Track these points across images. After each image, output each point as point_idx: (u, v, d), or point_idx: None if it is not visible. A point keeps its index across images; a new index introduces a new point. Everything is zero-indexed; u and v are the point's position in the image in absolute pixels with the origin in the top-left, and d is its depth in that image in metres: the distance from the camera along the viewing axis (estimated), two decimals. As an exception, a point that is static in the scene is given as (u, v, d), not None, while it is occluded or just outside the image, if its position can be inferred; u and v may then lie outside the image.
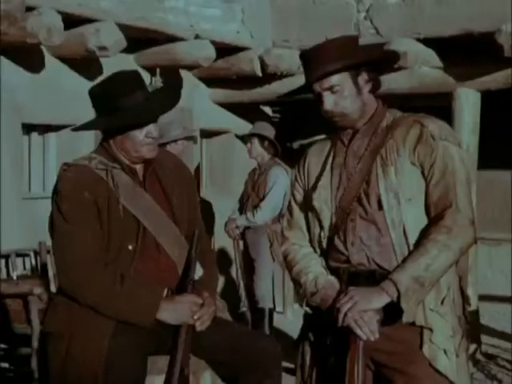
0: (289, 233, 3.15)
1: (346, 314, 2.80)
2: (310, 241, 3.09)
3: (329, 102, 2.96)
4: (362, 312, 2.79)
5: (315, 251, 3.07)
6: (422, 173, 2.89)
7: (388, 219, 2.88)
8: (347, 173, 2.99)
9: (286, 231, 3.17)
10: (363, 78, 2.97)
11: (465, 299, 3.00)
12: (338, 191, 3.00)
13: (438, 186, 2.87)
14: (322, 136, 3.21)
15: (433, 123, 2.93)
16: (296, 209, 3.15)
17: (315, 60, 2.96)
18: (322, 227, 3.03)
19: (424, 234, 2.85)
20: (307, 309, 3.04)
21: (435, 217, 2.86)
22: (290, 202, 3.21)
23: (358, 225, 2.93)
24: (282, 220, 3.37)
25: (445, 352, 2.86)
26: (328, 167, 3.05)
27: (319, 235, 3.04)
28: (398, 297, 2.78)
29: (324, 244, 3.03)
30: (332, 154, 3.06)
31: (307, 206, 3.08)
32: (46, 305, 5.12)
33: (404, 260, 2.85)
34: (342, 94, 2.95)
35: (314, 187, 3.05)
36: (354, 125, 3.01)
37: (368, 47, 3.23)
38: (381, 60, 3.08)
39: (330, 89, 2.95)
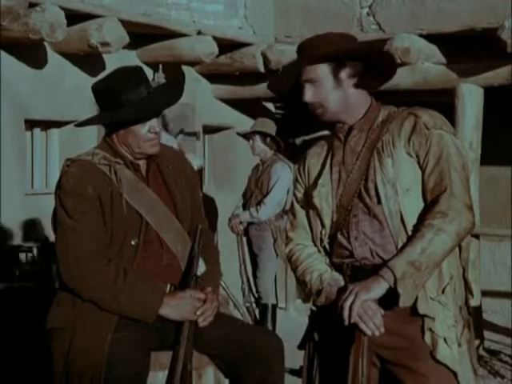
0: (292, 233, 3.14)
1: (351, 309, 2.79)
2: (313, 239, 3.09)
3: (308, 93, 2.98)
4: (366, 305, 2.78)
5: (318, 249, 3.06)
6: (418, 163, 2.90)
7: (386, 210, 2.89)
8: (346, 170, 3.00)
9: (289, 232, 3.16)
10: (346, 72, 2.97)
11: (468, 290, 3.00)
12: (338, 188, 3.00)
13: (434, 173, 2.87)
14: (325, 132, 3.20)
15: (426, 114, 2.94)
16: (298, 209, 3.14)
17: (301, 52, 3.00)
18: (323, 225, 3.02)
19: (420, 220, 2.86)
20: (314, 308, 3.03)
21: (431, 202, 2.87)
22: (292, 203, 3.21)
23: (360, 220, 2.93)
24: (286, 216, 3.36)
25: (445, 341, 2.85)
26: (327, 165, 3.05)
27: (321, 233, 3.04)
28: (395, 282, 2.78)
29: (326, 241, 3.03)
30: (331, 152, 3.07)
31: (308, 204, 3.09)
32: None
33: (402, 247, 2.85)
34: (321, 86, 2.96)
35: (314, 185, 3.06)
36: (340, 119, 3.01)
37: (364, 44, 3.19)
38: (366, 56, 3.00)
39: (310, 80, 2.97)
